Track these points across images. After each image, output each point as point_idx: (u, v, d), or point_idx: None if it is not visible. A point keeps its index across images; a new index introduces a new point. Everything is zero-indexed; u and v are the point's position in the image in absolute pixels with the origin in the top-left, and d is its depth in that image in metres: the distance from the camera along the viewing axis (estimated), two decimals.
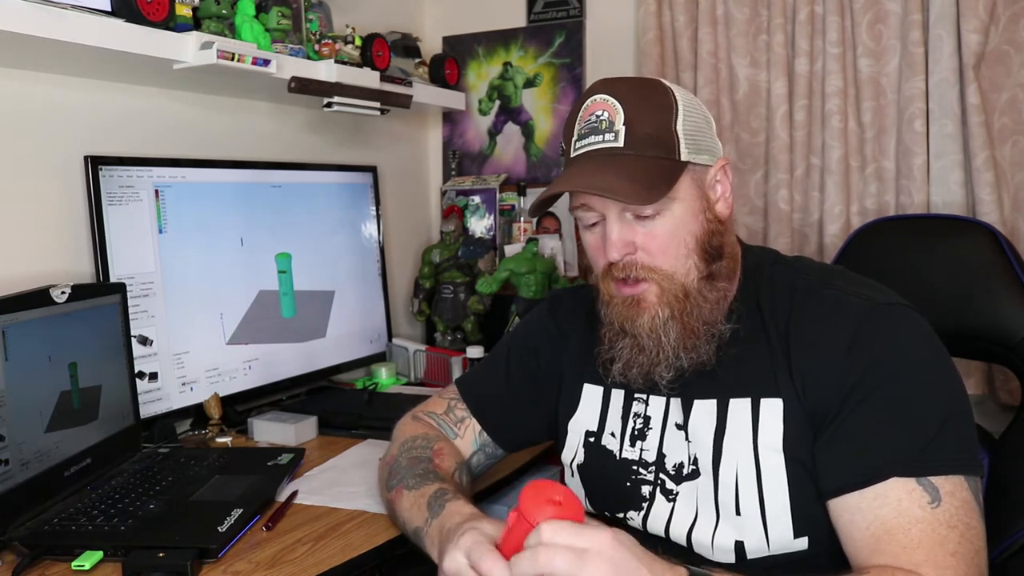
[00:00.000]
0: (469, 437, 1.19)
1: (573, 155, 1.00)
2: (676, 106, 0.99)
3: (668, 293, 0.97)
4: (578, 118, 1.01)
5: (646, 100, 0.98)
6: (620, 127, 0.96)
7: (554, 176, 2.23)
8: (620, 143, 0.96)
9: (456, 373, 1.91)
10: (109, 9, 1.28)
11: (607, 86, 1.00)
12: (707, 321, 0.99)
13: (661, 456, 1.04)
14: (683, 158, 0.97)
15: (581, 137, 0.99)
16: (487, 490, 1.32)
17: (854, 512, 0.89)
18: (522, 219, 2.21)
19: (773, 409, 0.96)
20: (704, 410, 1.01)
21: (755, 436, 0.97)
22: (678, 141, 0.97)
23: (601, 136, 0.97)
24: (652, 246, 0.97)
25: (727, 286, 1.02)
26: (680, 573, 0.78)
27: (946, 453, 0.88)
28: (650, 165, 0.95)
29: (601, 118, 0.98)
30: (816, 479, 0.93)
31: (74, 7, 1.23)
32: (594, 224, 1.01)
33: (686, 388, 1.02)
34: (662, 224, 0.97)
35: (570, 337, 1.18)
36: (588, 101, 1.00)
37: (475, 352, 1.85)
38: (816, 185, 1.88)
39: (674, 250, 0.97)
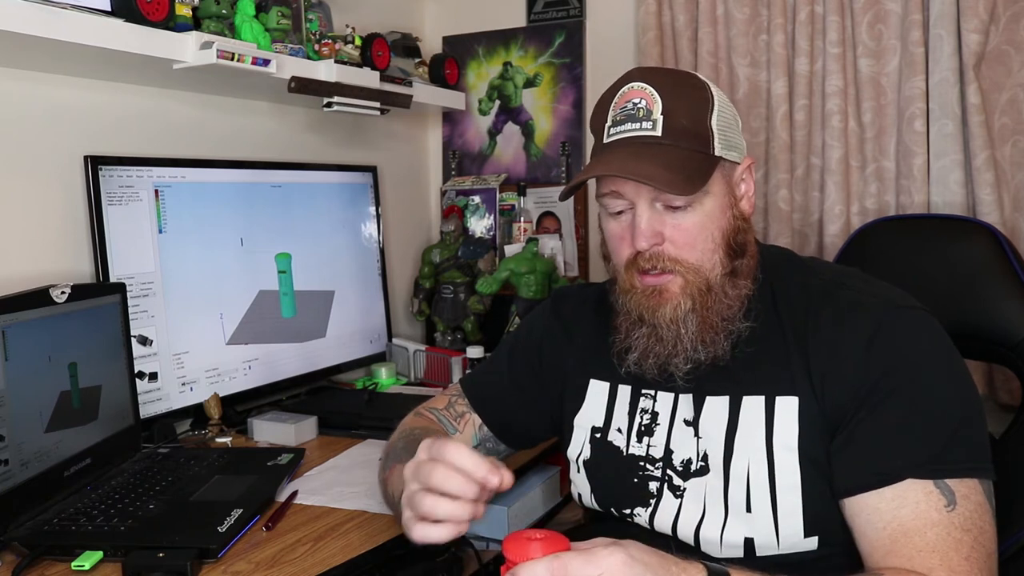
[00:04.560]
0: (468, 432, 1.19)
1: (606, 141, 0.99)
2: (712, 101, 0.99)
3: (692, 286, 0.97)
4: (612, 104, 0.99)
5: (683, 92, 0.98)
6: (658, 116, 0.96)
7: (554, 175, 2.24)
8: (658, 132, 0.95)
9: (456, 373, 1.91)
10: (109, 9, 1.28)
11: (645, 75, 0.99)
12: (726, 317, 0.99)
13: (668, 452, 1.03)
14: (716, 153, 0.97)
15: (616, 124, 0.98)
16: None
17: (871, 512, 0.89)
18: (522, 219, 2.21)
19: (788, 407, 0.96)
20: (716, 406, 1.01)
21: (769, 434, 0.96)
22: (712, 136, 0.97)
23: (638, 124, 0.96)
24: (680, 238, 0.97)
25: (747, 284, 1.01)
26: (696, 567, 0.78)
27: (961, 456, 0.89)
28: (686, 157, 0.95)
29: (638, 105, 0.97)
30: (829, 478, 0.93)
31: (74, 7, 1.23)
32: (620, 213, 1.00)
33: (698, 384, 1.02)
34: (692, 217, 0.96)
35: (574, 334, 1.17)
36: (625, 88, 0.99)
37: (475, 352, 1.85)
38: (816, 185, 1.88)
39: (701, 244, 0.97)
